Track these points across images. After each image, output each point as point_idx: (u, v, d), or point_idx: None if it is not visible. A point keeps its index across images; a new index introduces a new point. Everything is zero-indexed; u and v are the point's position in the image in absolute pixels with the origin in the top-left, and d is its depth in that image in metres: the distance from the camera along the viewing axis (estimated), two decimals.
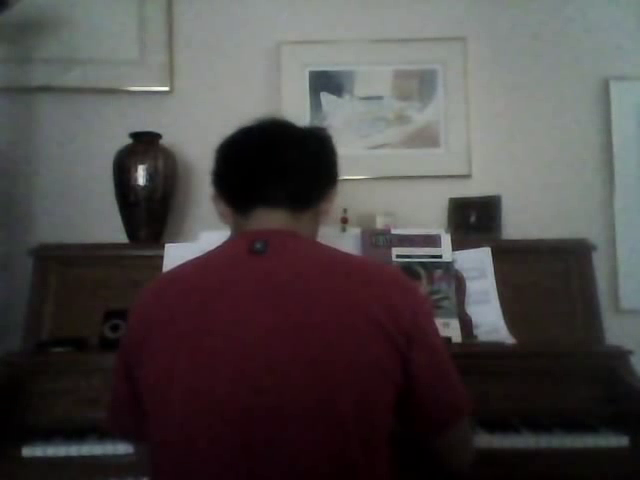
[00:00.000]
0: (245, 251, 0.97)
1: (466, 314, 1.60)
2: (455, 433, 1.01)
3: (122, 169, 1.76)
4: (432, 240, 1.65)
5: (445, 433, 1.00)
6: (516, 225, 1.91)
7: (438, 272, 1.62)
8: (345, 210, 1.74)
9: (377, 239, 1.66)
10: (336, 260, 0.99)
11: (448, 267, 1.63)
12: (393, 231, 1.67)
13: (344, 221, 1.74)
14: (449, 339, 1.50)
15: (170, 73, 1.99)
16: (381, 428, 0.91)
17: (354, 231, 1.68)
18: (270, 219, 1.03)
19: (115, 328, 1.54)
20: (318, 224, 1.12)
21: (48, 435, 1.36)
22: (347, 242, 1.61)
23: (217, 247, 1.05)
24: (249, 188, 1.05)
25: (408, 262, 1.62)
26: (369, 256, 1.59)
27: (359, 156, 1.98)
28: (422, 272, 1.61)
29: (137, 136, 1.79)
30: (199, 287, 0.96)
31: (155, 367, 0.92)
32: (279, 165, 1.04)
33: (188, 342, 0.90)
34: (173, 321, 0.93)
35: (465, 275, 1.63)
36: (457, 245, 1.66)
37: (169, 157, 1.81)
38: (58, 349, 1.52)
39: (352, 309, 0.90)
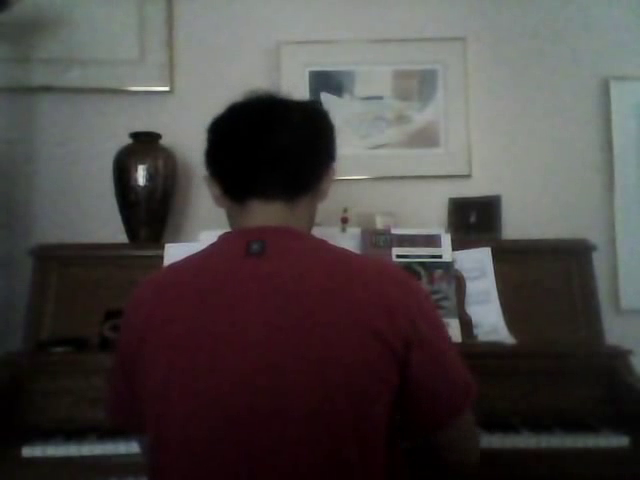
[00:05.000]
0: (242, 252, 0.95)
1: (466, 314, 1.60)
2: (456, 429, 0.97)
3: (122, 169, 1.76)
4: (432, 240, 1.65)
5: (444, 429, 0.96)
6: (516, 225, 1.91)
7: (438, 272, 1.62)
8: (345, 210, 1.74)
9: (377, 239, 1.65)
10: (335, 259, 0.97)
11: (448, 267, 1.63)
12: (393, 231, 1.67)
13: (344, 221, 1.74)
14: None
15: (170, 73, 1.99)
16: (379, 428, 0.90)
17: (354, 231, 1.68)
18: (266, 213, 1.01)
19: (115, 328, 1.53)
20: (316, 205, 1.09)
21: (48, 435, 1.36)
22: (347, 242, 1.61)
23: (214, 243, 1.02)
24: (242, 177, 1.02)
25: (408, 262, 1.62)
26: (369, 254, 1.59)
27: (359, 156, 1.98)
28: (422, 272, 1.61)
29: (137, 136, 1.79)
30: (198, 287, 0.95)
31: (156, 367, 0.92)
32: (271, 151, 1.01)
33: (188, 343, 0.90)
34: (173, 321, 0.92)
35: (465, 275, 1.63)
36: (457, 245, 1.65)
37: (169, 157, 1.81)
38: (58, 349, 1.52)
39: (350, 311, 0.89)
